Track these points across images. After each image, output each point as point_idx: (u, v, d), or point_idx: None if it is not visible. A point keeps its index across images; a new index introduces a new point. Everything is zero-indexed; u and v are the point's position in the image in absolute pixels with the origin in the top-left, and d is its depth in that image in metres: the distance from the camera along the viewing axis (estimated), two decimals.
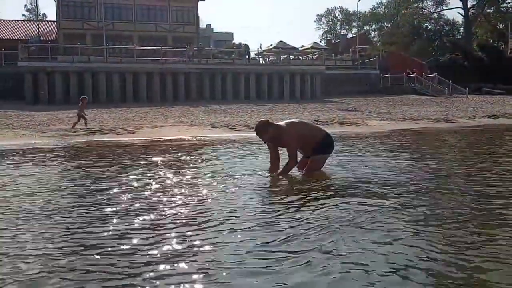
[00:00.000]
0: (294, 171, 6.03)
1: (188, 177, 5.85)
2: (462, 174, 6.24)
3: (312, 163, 6.07)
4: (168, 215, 4.01)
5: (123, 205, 4.39)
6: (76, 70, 27.31)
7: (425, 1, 56.87)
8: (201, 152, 9.00)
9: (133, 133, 12.94)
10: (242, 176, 5.91)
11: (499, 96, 32.67)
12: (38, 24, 42.99)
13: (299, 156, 6.21)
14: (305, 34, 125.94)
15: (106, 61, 29.51)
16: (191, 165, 7.04)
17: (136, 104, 25.29)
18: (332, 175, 5.98)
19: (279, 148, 6.13)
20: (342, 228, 3.55)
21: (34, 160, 7.66)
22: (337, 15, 77.41)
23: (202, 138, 11.69)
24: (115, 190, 5.08)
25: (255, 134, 6.04)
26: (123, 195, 4.82)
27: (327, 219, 3.82)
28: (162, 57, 31.53)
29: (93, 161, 7.60)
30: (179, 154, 8.29)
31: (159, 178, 5.81)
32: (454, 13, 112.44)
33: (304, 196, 4.66)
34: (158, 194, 4.85)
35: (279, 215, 3.97)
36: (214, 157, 8.18)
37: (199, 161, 7.56)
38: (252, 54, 35.11)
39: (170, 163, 7.19)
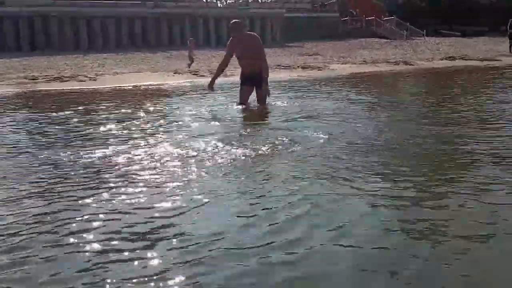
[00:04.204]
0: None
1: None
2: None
3: (263, 94, 6.76)
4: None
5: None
6: (26, 15, 26.01)
7: None
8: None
9: (95, 80, 12.62)
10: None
11: (456, 38, 33.31)
12: None
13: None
14: None
15: (56, 4, 28.03)
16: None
17: (91, 51, 24.46)
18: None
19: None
20: None
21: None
22: None
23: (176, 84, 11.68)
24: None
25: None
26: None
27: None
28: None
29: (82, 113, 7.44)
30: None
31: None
32: None
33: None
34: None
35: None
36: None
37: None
38: None
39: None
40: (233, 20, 7.11)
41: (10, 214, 2.83)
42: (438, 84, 12.23)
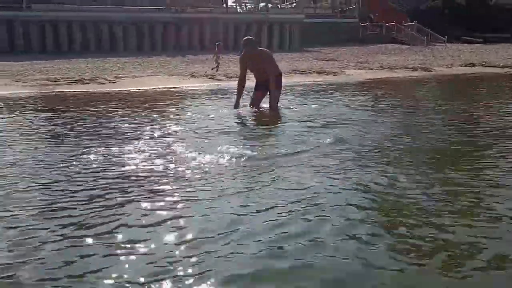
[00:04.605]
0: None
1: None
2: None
3: (274, 99, 7.14)
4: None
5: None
6: (51, 20, 26.68)
7: None
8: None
9: (114, 83, 12.97)
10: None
11: (477, 44, 32.98)
12: None
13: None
14: None
15: (80, 9, 28.67)
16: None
17: (113, 54, 24.94)
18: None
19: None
20: None
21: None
22: None
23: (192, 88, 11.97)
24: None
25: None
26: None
27: None
28: (140, 5, 30.82)
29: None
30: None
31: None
32: None
33: None
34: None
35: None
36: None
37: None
38: (230, 2, 34.61)
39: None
40: (246, 37, 7.55)
41: None
42: (456, 92, 12.15)
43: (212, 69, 16.35)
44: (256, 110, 7.16)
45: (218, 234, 2.68)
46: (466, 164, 4.15)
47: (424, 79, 14.99)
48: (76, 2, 29.96)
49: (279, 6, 37.60)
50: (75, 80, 13.24)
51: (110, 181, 3.73)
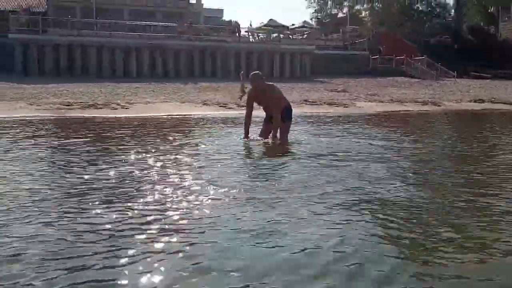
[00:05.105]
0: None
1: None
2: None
3: (284, 130, 7.27)
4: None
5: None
6: (66, 44, 27.20)
7: None
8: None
9: (127, 108, 13.12)
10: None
11: (487, 80, 33.10)
12: None
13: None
14: (296, 13, 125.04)
15: (96, 35, 29.31)
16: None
17: (126, 79, 25.29)
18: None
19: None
20: None
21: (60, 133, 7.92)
22: None
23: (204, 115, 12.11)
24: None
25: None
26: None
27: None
28: (153, 32, 31.36)
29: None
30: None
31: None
32: None
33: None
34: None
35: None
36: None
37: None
38: (243, 32, 35.05)
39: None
40: (253, 72, 7.65)
41: None
42: (466, 129, 12.02)
43: (238, 98, 16.40)
44: (266, 141, 7.25)
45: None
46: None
47: (435, 114, 15.02)
48: (93, 28, 30.63)
49: (290, 36, 38.05)
50: (89, 105, 13.42)
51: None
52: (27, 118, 10.74)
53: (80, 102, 14.04)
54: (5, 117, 10.72)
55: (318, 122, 10.97)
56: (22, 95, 16.28)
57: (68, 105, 13.31)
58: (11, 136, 7.76)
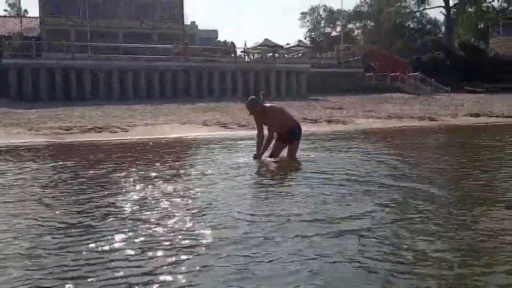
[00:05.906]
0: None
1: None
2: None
3: (293, 148, 7.48)
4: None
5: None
6: (61, 67, 27.22)
7: (407, 0, 57.68)
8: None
9: (127, 131, 13.08)
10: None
11: (480, 95, 33.36)
12: (21, 20, 42.48)
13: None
14: (290, 32, 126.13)
15: (91, 58, 29.36)
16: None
17: (123, 101, 25.26)
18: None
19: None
20: None
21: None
22: (321, 13, 77.71)
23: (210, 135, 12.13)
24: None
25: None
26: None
27: None
28: (150, 54, 31.44)
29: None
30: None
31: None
32: (436, 12, 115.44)
33: None
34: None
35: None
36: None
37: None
38: (238, 52, 35.28)
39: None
40: (250, 97, 7.80)
41: None
42: (463, 143, 12.01)
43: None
44: (276, 159, 7.37)
45: None
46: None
47: (432, 129, 15.07)
48: (87, 51, 30.72)
49: (286, 55, 38.31)
50: (88, 129, 13.37)
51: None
52: (26, 144, 10.66)
53: (80, 126, 13.96)
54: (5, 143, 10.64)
55: (320, 141, 10.95)
56: (20, 120, 16.21)
57: (67, 130, 13.24)
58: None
